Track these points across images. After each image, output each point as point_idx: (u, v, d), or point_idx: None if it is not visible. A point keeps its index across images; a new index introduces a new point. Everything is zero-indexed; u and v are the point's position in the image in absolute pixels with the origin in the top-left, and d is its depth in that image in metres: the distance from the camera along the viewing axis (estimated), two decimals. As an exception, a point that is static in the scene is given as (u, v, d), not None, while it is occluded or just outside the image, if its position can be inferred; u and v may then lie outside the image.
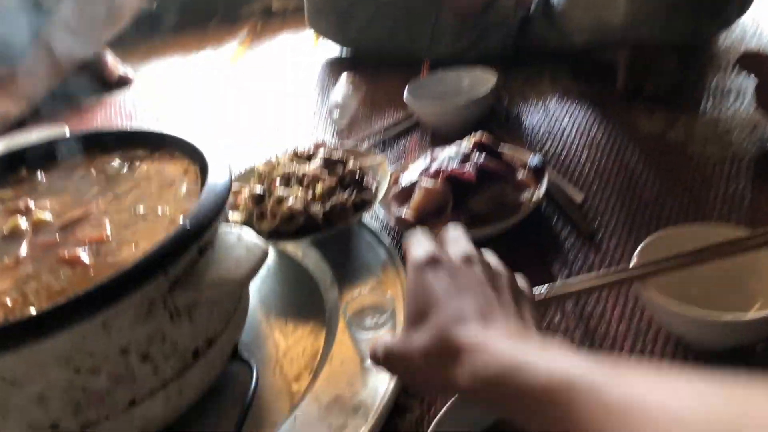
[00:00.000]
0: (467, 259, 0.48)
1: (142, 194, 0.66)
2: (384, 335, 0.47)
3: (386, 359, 0.46)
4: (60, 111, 1.43)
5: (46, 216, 0.63)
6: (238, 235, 0.59)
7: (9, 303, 0.52)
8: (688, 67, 1.11)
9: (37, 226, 0.62)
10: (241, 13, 2.03)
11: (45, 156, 0.74)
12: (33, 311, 0.50)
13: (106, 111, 1.46)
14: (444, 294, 0.44)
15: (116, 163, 0.71)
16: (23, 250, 0.59)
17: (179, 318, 0.55)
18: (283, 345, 0.70)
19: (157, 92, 1.51)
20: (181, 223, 0.54)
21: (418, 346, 0.43)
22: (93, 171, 0.71)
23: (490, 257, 0.51)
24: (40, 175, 0.72)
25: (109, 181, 0.68)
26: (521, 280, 0.51)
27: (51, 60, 1.40)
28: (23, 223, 0.62)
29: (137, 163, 0.71)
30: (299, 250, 0.81)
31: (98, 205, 0.64)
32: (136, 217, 0.61)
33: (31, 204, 0.65)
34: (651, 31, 0.98)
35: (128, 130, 0.77)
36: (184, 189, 0.65)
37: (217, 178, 0.61)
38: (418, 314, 0.45)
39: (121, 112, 1.44)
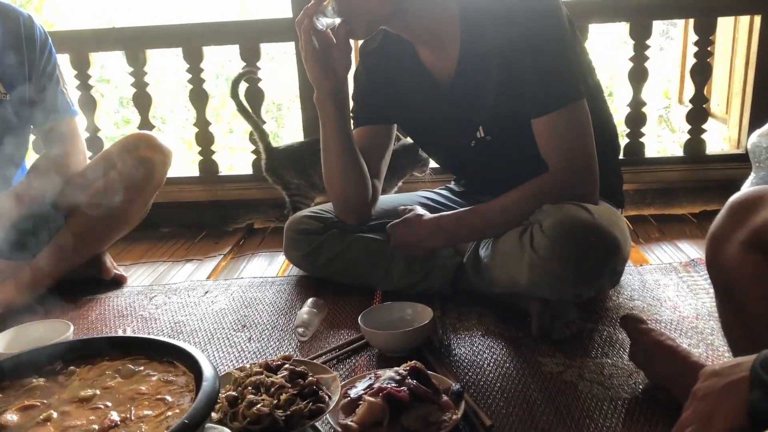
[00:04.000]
0: None
1: (144, 394, 0.85)
2: None
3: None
4: (60, 304, 1.63)
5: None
6: (219, 432, 0.79)
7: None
8: (587, 318, 1.40)
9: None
10: (226, 229, 2.34)
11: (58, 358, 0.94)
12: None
13: (101, 308, 1.66)
14: None
15: (127, 366, 0.91)
16: None
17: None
18: None
19: (148, 295, 1.73)
20: (182, 419, 0.74)
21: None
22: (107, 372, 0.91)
23: None
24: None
25: (122, 381, 0.88)
26: None
27: (61, 258, 1.63)
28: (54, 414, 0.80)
29: (141, 368, 0.91)
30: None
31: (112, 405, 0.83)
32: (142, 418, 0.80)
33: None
34: (546, 292, 1.28)
35: (134, 336, 0.98)
36: (178, 392, 0.85)
37: (209, 385, 0.82)
38: None
39: (115, 310, 1.65)
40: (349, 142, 1.48)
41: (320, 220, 1.64)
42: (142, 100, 2.41)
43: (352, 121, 1.56)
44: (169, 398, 0.83)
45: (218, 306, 1.64)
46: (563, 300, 1.31)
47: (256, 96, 2.30)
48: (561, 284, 1.22)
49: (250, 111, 2.11)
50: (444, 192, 1.74)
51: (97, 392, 0.85)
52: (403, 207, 1.55)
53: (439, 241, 1.45)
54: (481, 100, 1.37)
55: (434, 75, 1.44)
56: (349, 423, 1.00)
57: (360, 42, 1.59)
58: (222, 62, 5.51)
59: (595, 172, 1.31)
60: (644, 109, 2.30)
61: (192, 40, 2.34)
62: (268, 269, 1.91)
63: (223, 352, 1.39)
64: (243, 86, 2.22)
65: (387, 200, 1.70)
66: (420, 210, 1.50)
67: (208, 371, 0.84)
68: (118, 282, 1.82)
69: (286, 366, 1.08)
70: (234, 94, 2.08)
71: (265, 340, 1.44)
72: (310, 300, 1.50)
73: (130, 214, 1.79)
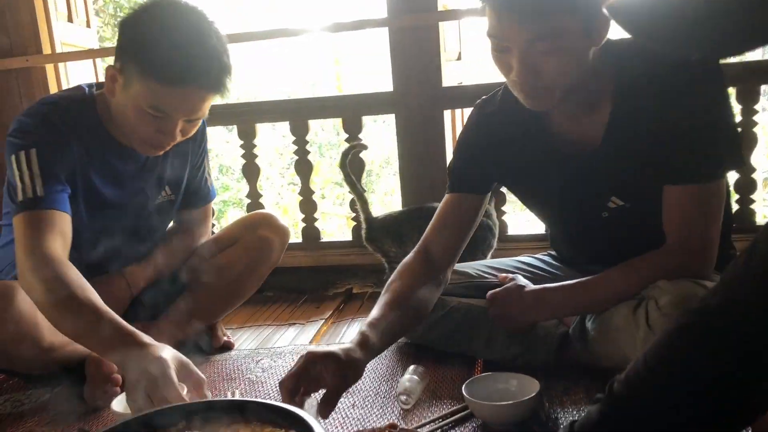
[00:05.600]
0: None
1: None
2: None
3: None
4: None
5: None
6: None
7: None
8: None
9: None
10: (326, 293, 2.41)
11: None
12: None
13: (211, 370, 1.74)
14: None
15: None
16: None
17: None
18: None
19: (254, 358, 1.80)
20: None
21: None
22: None
23: None
24: None
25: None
26: None
27: (178, 324, 1.72)
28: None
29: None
30: None
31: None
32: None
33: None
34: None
35: (251, 400, 1.02)
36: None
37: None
38: None
39: (224, 372, 1.72)
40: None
41: None
42: (251, 171, 2.56)
43: (448, 184, 1.54)
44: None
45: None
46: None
47: (358, 166, 2.39)
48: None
49: (355, 181, 2.20)
50: (546, 258, 1.72)
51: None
52: (504, 275, 1.55)
53: (542, 314, 1.44)
54: (624, 166, 1.33)
55: (572, 143, 1.38)
56: (457, 496, 0.99)
57: (477, 104, 1.54)
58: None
59: (712, 256, 1.27)
60: (753, 175, 2.21)
61: (300, 113, 2.48)
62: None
63: (329, 418, 1.41)
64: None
65: (490, 263, 1.70)
66: (522, 280, 1.49)
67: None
68: (227, 347, 1.89)
69: (393, 434, 1.09)
70: (343, 165, 2.18)
71: (368, 407, 1.45)
72: (411, 367, 1.50)
73: (245, 289, 1.87)
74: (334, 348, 1.21)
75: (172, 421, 0.99)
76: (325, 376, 1.16)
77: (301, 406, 1.14)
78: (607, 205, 1.39)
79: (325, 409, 1.17)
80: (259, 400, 1.02)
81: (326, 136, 7.82)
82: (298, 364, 1.18)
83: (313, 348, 1.34)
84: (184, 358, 1.24)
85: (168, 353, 1.21)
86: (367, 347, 1.25)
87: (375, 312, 1.35)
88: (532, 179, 1.49)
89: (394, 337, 1.39)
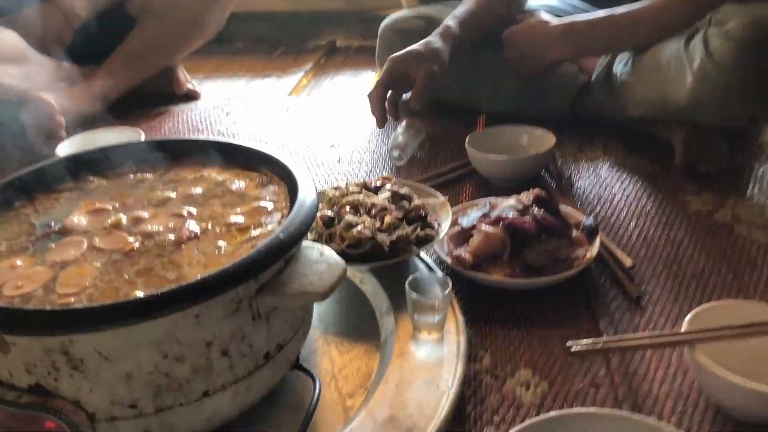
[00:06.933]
0: None
1: (234, 204, 0.70)
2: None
3: None
4: (130, 115, 1.50)
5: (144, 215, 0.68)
6: (319, 251, 0.64)
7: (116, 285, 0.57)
8: (737, 153, 1.16)
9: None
10: (306, 46, 2.13)
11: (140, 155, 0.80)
12: (140, 294, 0.55)
13: (174, 121, 1.53)
14: None
15: (211, 173, 0.76)
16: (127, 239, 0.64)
17: (259, 320, 0.59)
18: (338, 362, 0.74)
19: (224, 109, 1.58)
20: (277, 234, 0.59)
21: None
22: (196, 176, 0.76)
23: None
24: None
25: (205, 189, 0.74)
26: None
27: (130, 65, 1.48)
28: (123, 218, 0.67)
29: (226, 176, 0.77)
30: (358, 275, 0.85)
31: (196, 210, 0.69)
32: (230, 225, 0.66)
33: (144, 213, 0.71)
34: (711, 112, 1.03)
35: (226, 141, 0.82)
36: (271, 205, 0.70)
37: (306, 195, 0.66)
38: None
39: (189, 124, 1.51)
40: None
41: (426, 20, 1.38)
42: None
43: None
44: (262, 205, 0.69)
45: (302, 124, 1.48)
46: (731, 124, 1.06)
47: None
48: (736, 101, 0.98)
49: None
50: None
51: (173, 196, 0.71)
52: (522, 14, 1.29)
53: (565, 53, 1.21)
54: None
55: None
56: (462, 254, 0.84)
57: None
58: None
59: None
60: None
61: None
62: (355, 88, 1.71)
63: (311, 173, 1.24)
64: None
65: None
66: (545, 15, 1.24)
67: (304, 182, 0.69)
68: (191, 97, 1.67)
69: (388, 187, 0.91)
70: None
71: (357, 162, 1.27)
72: (404, 121, 1.30)
73: (205, 22, 1.59)
74: (414, 45, 1.21)
75: (119, 160, 0.80)
76: (411, 73, 1.19)
77: (395, 115, 1.26)
78: None
79: (417, 103, 1.20)
80: (228, 140, 0.82)
81: None
82: (383, 72, 1.21)
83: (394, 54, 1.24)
84: None
85: None
86: (449, 36, 1.23)
87: (460, 7, 1.30)
88: None
89: (478, 30, 1.30)
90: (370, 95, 1.24)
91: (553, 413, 0.56)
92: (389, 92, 1.23)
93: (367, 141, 1.36)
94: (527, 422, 0.55)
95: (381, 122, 1.26)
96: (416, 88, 1.19)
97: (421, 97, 1.20)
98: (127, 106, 1.53)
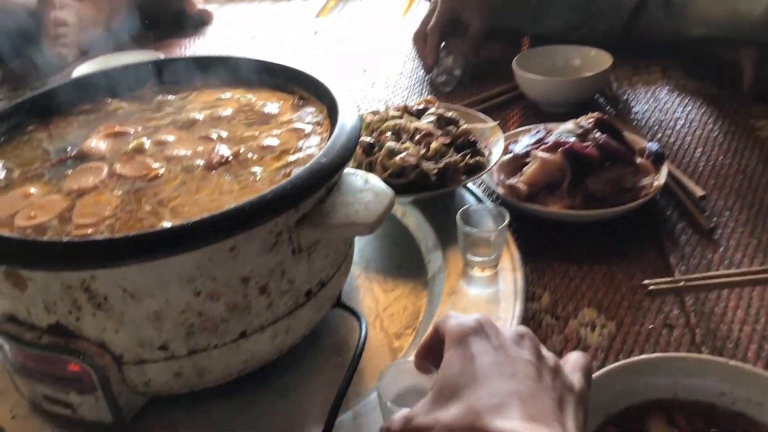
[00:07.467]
0: (519, 337, 0.42)
1: (267, 126, 0.63)
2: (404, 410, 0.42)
3: (403, 429, 0.40)
4: (140, 40, 1.40)
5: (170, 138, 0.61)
6: (364, 179, 0.57)
7: (142, 214, 0.51)
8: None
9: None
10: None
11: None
12: (167, 225, 0.49)
13: (195, 46, 1.44)
14: (485, 370, 0.38)
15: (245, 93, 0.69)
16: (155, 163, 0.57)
17: (300, 255, 0.53)
18: (383, 300, 0.68)
19: (241, 36, 1.49)
20: (318, 158, 0.52)
21: (443, 422, 0.37)
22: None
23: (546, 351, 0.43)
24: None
25: (236, 110, 0.66)
26: (581, 359, 0.43)
27: None
28: (147, 142, 0.60)
29: (257, 96, 0.69)
30: (400, 208, 0.78)
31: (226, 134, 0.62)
32: (264, 150, 0.59)
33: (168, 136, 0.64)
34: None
35: (257, 59, 0.74)
36: (309, 127, 0.62)
37: (347, 116, 0.59)
38: (450, 387, 0.39)
39: (211, 48, 1.43)
40: None
41: None
42: None
43: None
44: (300, 127, 0.61)
45: (331, 48, 1.39)
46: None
47: None
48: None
49: None
50: None
51: (200, 118, 0.64)
52: None
53: None
54: None
55: None
56: (516, 184, 0.77)
57: None
58: None
59: None
60: None
61: None
62: (387, 8, 1.60)
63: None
64: None
65: None
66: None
67: (345, 102, 0.61)
68: (203, 18, 1.56)
69: (432, 110, 0.83)
70: None
71: (392, 87, 1.18)
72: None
73: None
74: None
75: (144, 79, 0.72)
76: (464, 17, 1.14)
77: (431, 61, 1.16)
78: None
79: (472, 51, 1.16)
80: (260, 58, 0.74)
81: None
82: (436, 15, 1.15)
83: None
84: None
85: None
86: None
87: None
88: None
89: None
90: (416, 39, 1.19)
91: (650, 356, 0.49)
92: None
93: (403, 64, 1.27)
94: (619, 363, 0.47)
95: (431, 69, 1.18)
96: (472, 39, 1.15)
97: (477, 49, 1.16)
98: (143, 32, 1.44)
